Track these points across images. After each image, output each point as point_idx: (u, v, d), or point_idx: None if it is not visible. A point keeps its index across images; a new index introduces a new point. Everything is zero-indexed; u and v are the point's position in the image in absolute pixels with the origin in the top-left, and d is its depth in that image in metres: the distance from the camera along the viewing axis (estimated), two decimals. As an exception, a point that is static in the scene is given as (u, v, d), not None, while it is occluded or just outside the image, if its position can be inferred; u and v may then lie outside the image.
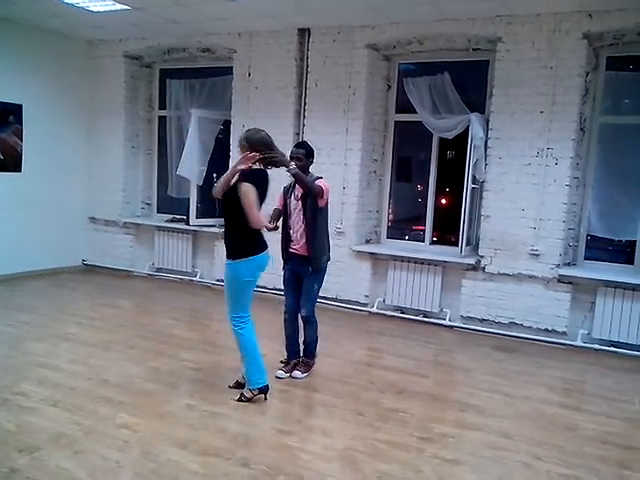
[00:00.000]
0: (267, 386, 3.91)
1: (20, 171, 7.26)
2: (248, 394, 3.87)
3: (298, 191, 4.23)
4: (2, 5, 6.26)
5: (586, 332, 5.57)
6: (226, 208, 3.80)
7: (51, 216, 7.67)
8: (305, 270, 4.27)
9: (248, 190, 3.65)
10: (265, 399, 3.90)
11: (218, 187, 3.78)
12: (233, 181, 3.72)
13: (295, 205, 4.26)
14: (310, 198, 4.16)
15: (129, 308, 6.47)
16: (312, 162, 4.36)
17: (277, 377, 4.30)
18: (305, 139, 6.62)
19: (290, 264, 4.36)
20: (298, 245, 4.27)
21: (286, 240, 4.35)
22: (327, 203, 4.28)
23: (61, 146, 7.76)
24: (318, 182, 4.17)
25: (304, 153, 4.26)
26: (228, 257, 3.83)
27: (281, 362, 4.50)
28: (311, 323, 4.41)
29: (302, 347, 4.49)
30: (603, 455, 3.43)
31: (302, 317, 4.37)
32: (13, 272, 7.18)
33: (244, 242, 3.78)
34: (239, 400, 3.86)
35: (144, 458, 3.08)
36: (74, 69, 7.82)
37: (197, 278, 7.53)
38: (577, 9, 5.30)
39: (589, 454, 3.43)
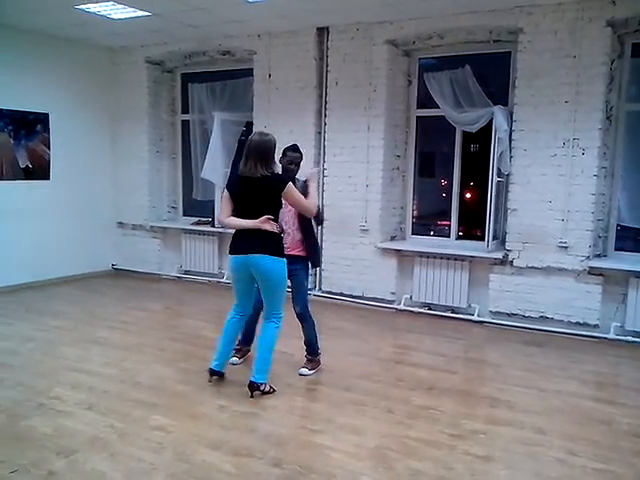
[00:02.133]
0: (211, 369, 4.16)
1: (49, 179, 7.41)
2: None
3: None
4: (24, 17, 6.39)
5: (619, 324, 5.47)
6: None
7: (80, 222, 7.82)
8: (295, 269, 4.26)
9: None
10: (209, 381, 4.14)
11: None
12: None
13: (285, 205, 4.13)
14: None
15: (159, 311, 6.56)
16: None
17: (232, 363, 4.42)
18: (327, 138, 6.66)
19: None
20: (290, 245, 4.27)
21: None
22: None
23: (87, 153, 7.89)
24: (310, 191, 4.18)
25: (299, 157, 4.34)
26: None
27: (234, 349, 4.48)
28: (307, 319, 4.42)
29: (304, 346, 4.51)
30: (639, 449, 3.37)
31: (297, 314, 4.38)
32: (44, 279, 7.34)
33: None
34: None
35: (178, 459, 3.12)
36: (97, 76, 7.95)
37: (224, 279, 7.59)
38: (600, -4, 5.21)
39: (624, 448, 3.38)
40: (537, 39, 5.54)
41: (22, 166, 7.11)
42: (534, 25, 5.54)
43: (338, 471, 3.03)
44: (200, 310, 6.50)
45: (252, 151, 3.84)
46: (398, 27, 6.19)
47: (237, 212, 3.95)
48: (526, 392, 4.21)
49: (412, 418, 3.71)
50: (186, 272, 7.95)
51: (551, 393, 4.20)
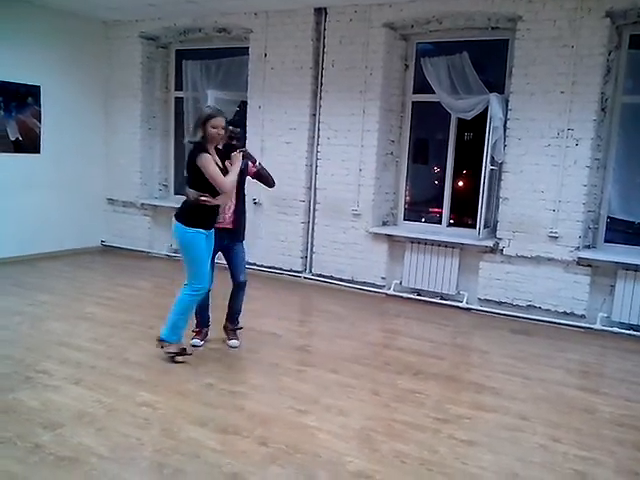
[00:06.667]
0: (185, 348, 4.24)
1: (39, 152, 7.32)
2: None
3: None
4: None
5: (605, 315, 5.52)
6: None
7: (70, 197, 7.76)
8: (232, 242, 4.47)
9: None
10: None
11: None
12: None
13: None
14: (241, 174, 4.32)
15: (148, 289, 6.54)
16: None
17: (193, 345, 4.45)
18: (321, 120, 6.62)
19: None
20: (225, 219, 4.38)
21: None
22: None
23: (79, 127, 7.80)
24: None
25: (241, 132, 4.53)
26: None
27: (193, 331, 4.58)
28: (244, 290, 4.60)
29: (233, 314, 4.66)
30: (620, 438, 3.42)
31: (241, 283, 4.56)
32: (32, 253, 7.28)
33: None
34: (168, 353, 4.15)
35: (164, 435, 3.14)
36: (91, 50, 7.84)
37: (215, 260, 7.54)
38: (600, -14, 5.19)
39: (606, 436, 3.43)
40: (536, 27, 5.52)
41: (12, 138, 7.02)
42: (533, 13, 5.51)
43: (324, 451, 3.06)
44: (189, 289, 6.48)
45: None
46: (397, 10, 6.14)
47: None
48: (512, 379, 4.25)
49: (398, 401, 3.74)
50: (176, 251, 7.90)
51: (536, 381, 4.25)
